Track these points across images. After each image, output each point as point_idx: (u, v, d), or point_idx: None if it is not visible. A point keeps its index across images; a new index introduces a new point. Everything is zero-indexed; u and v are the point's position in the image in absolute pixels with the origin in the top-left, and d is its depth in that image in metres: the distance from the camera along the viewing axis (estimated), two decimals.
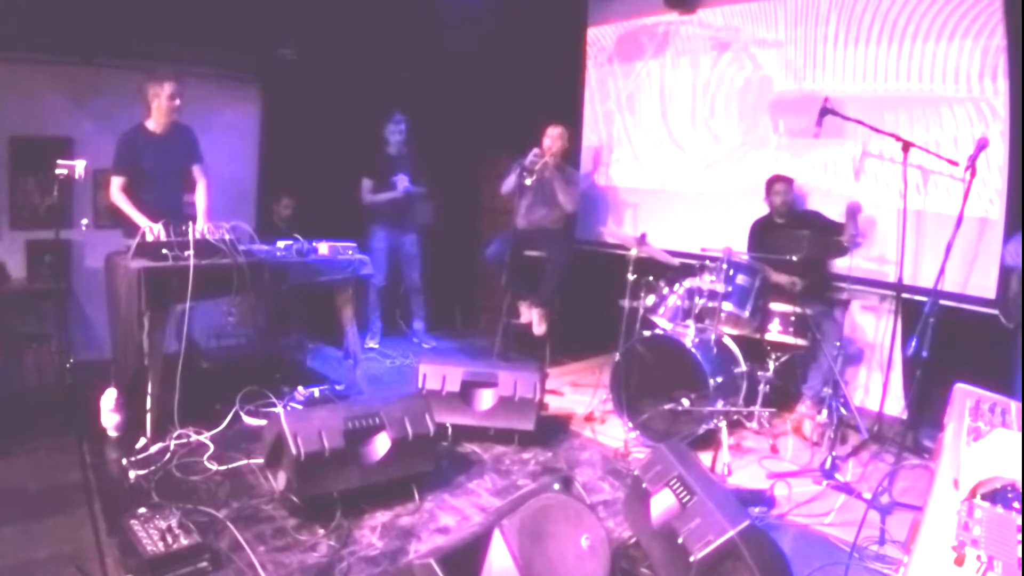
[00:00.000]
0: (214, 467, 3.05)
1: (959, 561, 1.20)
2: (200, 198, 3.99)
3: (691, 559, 2.04)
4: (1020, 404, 1.94)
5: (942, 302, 3.42)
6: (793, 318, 3.87)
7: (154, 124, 3.80)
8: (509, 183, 4.75)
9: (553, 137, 4.73)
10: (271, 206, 5.07)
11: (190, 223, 3.38)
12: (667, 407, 3.49)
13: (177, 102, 3.76)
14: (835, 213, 4.12)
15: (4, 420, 3.40)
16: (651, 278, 3.95)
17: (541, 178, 4.64)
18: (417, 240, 5.32)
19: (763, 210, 4.33)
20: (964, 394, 2.01)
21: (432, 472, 3.04)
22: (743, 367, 3.76)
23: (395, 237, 5.24)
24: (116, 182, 3.74)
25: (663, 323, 3.92)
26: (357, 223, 5.15)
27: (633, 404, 3.69)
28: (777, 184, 4.17)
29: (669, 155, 5.16)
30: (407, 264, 5.33)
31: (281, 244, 3.73)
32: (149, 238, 3.29)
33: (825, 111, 3.86)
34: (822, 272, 4.05)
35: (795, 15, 4.41)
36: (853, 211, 3.81)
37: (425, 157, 5.25)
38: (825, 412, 3.70)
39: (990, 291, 3.65)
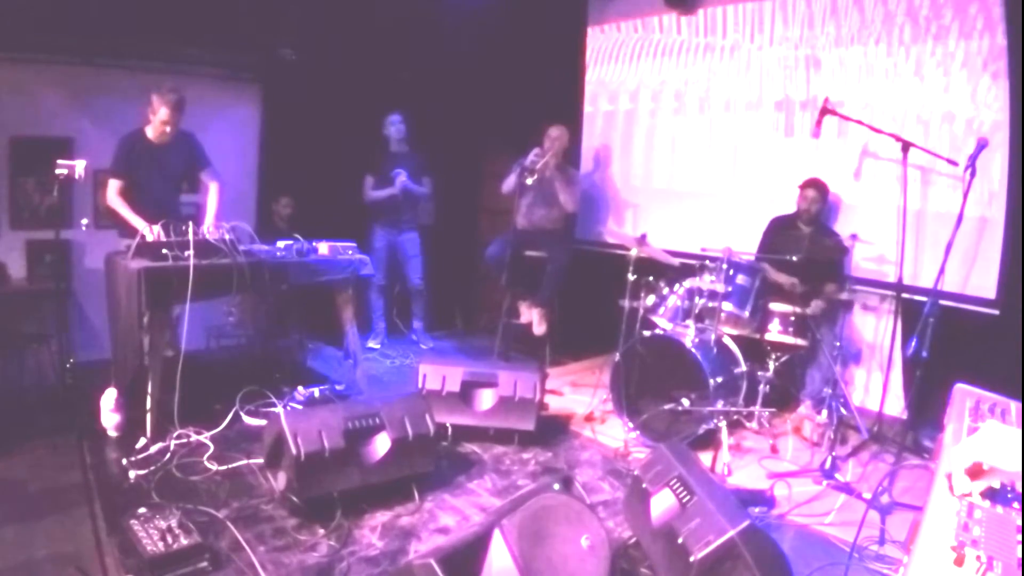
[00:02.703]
0: (214, 467, 3.05)
1: (959, 561, 1.20)
2: (211, 201, 4.00)
3: (691, 559, 2.03)
4: (1020, 404, 1.94)
5: (942, 302, 3.42)
6: (793, 318, 3.86)
7: (152, 133, 3.81)
8: (509, 183, 4.75)
9: (553, 137, 4.73)
10: (271, 206, 5.08)
11: (190, 223, 3.37)
12: (667, 407, 3.49)
13: (168, 129, 3.75)
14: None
15: (4, 420, 3.40)
16: (651, 278, 3.95)
17: (542, 177, 4.64)
18: (417, 240, 5.30)
19: (785, 208, 4.24)
20: (964, 394, 2.01)
21: (432, 472, 3.03)
22: (743, 367, 3.76)
23: (394, 236, 5.24)
24: (113, 185, 3.74)
25: (663, 323, 3.92)
26: (359, 223, 5.16)
27: (633, 404, 3.69)
28: (809, 190, 4.03)
29: (669, 155, 5.16)
30: (405, 264, 5.32)
31: (281, 244, 3.73)
32: (149, 238, 3.29)
33: (825, 111, 3.86)
34: (826, 274, 4.03)
35: (795, 15, 4.41)
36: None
37: (427, 156, 5.25)
38: (825, 412, 3.71)
39: (990, 291, 3.65)
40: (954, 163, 3.52)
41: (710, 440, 3.44)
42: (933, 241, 3.76)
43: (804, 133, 4.36)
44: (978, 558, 1.20)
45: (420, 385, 3.53)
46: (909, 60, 3.93)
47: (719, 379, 3.49)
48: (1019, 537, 1.25)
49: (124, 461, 3.02)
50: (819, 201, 4.04)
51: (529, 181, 4.51)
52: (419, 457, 2.94)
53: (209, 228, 3.47)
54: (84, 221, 4.40)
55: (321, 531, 2.59)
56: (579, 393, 4.42)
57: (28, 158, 4.31)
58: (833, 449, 3.37)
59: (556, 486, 2.32)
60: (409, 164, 5.11)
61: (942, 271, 3.37)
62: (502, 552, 2.00)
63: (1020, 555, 1.21)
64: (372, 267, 5.09)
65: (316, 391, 3.84)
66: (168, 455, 3.11)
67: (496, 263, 4.77)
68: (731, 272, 3.80)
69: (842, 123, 3.97)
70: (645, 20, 5.25)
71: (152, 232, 3.33)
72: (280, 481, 2.70)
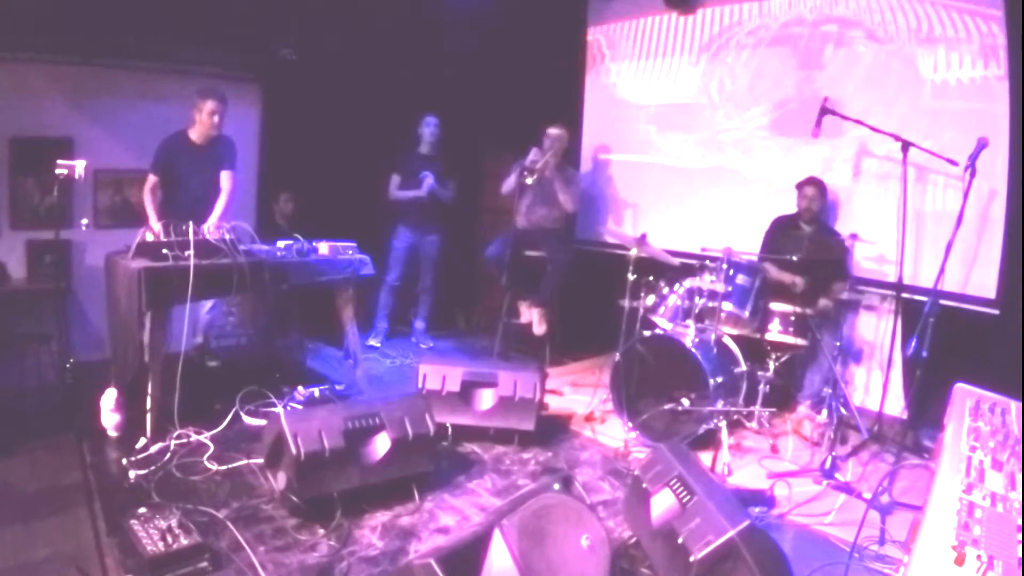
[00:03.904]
0: (214, 467, 3.05)
1: (959, 561, 1.20)
2: (221, 202, 4.06)
3: (691, 559, 2.04)
4: (1020, 404, 1.94)
5: (942, 302, 3.42)
6: (793, 318, 3.86)
7: (195, 134, 3.99)
8: (509, 183, 4.75)
9: (553, 138, 4.73)
10: (272, 205, 5.08)
11: (190, 223, 3.38)
12: (667, 407, 3.49)
13: (216, 119, 3.96)
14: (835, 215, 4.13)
15: (4, 420, 3.40)
16: (651, 278, 3.95)
17: (541, 178, 4.64)
18: (438, 242, 5.33)
19: (786, 208, 4.25)
20: (964, 394, 2.01)
21: (432, 472, 3.03)
22: (743, 367, 3.76)
23: (418, 237, 5.26)
24: (148, 180, 3.96)
25: (663, 323, 3.92)
26: (360, 222, 5.15)
27: (633, 404, 3.68)
28: (807, 188, 4.06)
29: (669, 155, 5.16)
30: (424, 265, 5.34)
31: (281, 244, 3.73)
32: (149, 238, 3.30)
33: (825, 111, 3.86)
34: (830, 273, 4.03)
35: (795, 14, 4.41)
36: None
37: (453, 161, 5.26)
38: (825, 412, 3.71)
39: (990, 291, 3.65)
40: (954, 163, 3.52)
41: (710, 440, 3.44)
42: (933, 241, 3.76)
43: (804, 132, 4.35)
44: (978, 557, 1.20)
45: (420, 385, 3.53)
46: (909, 59, 3.93)
47: (719, 379, 3.49)
48: (1019, 537, 1.25)
49: (124, 461, 3.02)
50: (819, 199, 4.04)
51: (529, 181, 4.51)
52: (419, 457, 2.94)
53: (210, 228, 3.48)
54: (84, 221, 4.41)
55: (321, 531, 2.59)
56: (579, 393, 4.42)
57: (28, 158, 4.31)
58: (833, 449, 3.37)
59: (556, 486, 2.32)
60: (436, 167, 5.12)
61: (942, 271, 3.36)
62: (502, 552, 2.00)
63: (1020, 555, 1.21)
64: (387, 266, 5.14)
65: (316, 391, 3.83)
66: (168, 455, 3.10)
67: (496, 263, 4.77)
68: (731, 272, 3.80)
69: (842, 122, 3.97)
70: (645, 20, 5.25)
71: (155, 232, 3.35)
72: (280, 481, 2.70)
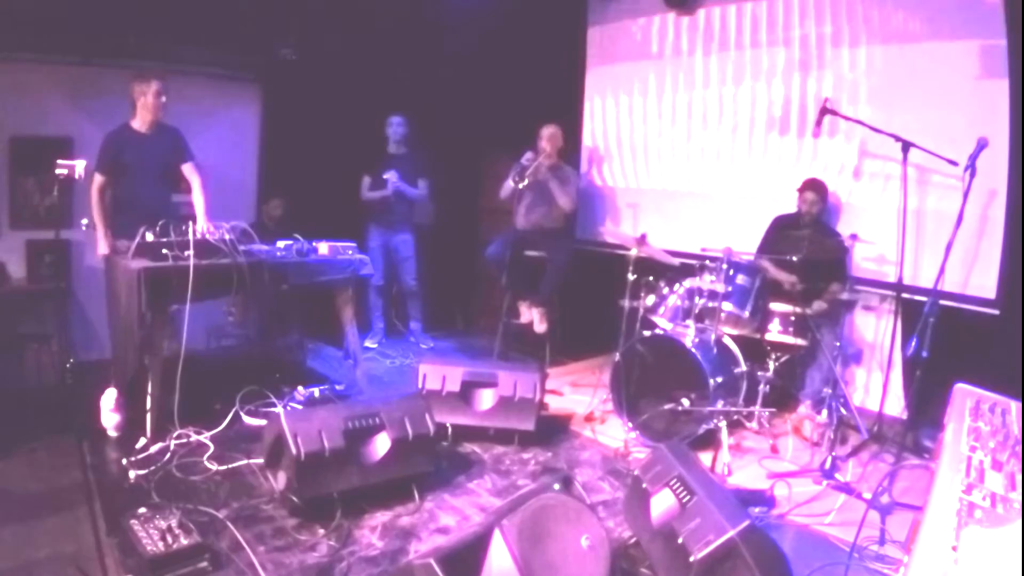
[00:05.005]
0: (214, 467, 3.05)
1: (959, 561, 1.20)
2: (197, 198, 4.00)
3: (691, 559, 2.03)
4: (1020, 404, 1.94)
5: (942, 302, 3.42)
6: (793, 318, 3.86)
7: (139, 123, 3.84)
8: (507, 187, 4.74)
9: (546, 137, 4.72)
10: (262, 207, 5.06)
11: (190, 223, 3.37)
12: (667, 407, 3.49)
13: (163, 99, 3.80)
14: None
15: (4, 420, 3.40)
16: (651, 278, 3.95)
17: (535, 180, 4.63)
18: (411, 241, 5.30)
19: (786, 208, 4.25)
20: (964, 394, 2.01)
21: (432, 472, 3.04)
22: (743, 367, 3.76)
23: (388, 236, 5.25)
24: (95, 181, 3.79)
25: (663, 323, 3.92)
26: (359, 222, 5.16)
27: (633, 404, 3.68)
28: (807, 193, 4.05)
29: (669, 155, 5.16)
30: (399, 265, 5.32)
31: (282, 244, 3.73)
32: (102, 251, 3.29)
33: (825, 111, 3.86)
34: (828, 274, 4.03)
35: (795, 15, 4.41)
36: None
37: (426, 158, 5.25)
38: (825, 412, 3.71)
39: (990, 291, 3.65)
40: (954, 163, 3.52)
41: (710, 440, 3.44)
42: (933, 241, 3.76)
43: (804, 133, 4.36)
44: None
45: (420, 385, 3.53)
46: (909, 59, 3.92)
47: (719, 379, 3.49)
48: (1020, 537, 1.25)
49: (124, 461, 3.02)
50: (819, 203, 4.04)
51: (520, 185, 4.50)
52: (419, 457, 2.94)
53: (207, 228, 3.46)
54: (84, 221, 4.39)
55: (321, 531, 2.59)
56: (579, 393, 4.42)
57: (28, 158, 4.31)
58: (833, 449, 3.37)
59: (556, 486, 2.32)
60: (405, 166, 5.11)
61: (942, 271, 3.36)
62: (502, 552, 2.00)
63: (1021, 555, 1.21)
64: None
65: (316, 391, 3.84)
66: (168, 455, 3.11)
67: (496, 263, 4.77)
68: (731, 272, 3.80)
69: (842, 123, 3.97)
70: (645, 20, 5.25)
71: (107, 247, 3.39)
72: (280, 481, 2.70)
